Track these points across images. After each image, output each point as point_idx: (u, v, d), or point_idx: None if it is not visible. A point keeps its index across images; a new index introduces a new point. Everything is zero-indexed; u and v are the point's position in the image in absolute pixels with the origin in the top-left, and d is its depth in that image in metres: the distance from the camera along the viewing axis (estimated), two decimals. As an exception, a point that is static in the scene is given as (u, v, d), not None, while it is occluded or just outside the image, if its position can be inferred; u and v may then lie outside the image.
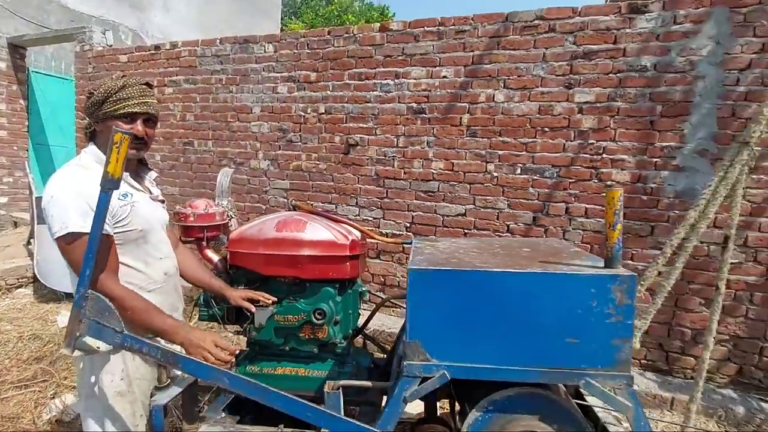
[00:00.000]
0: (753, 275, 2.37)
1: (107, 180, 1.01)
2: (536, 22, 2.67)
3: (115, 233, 1.18)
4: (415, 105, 2.99)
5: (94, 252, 1.05)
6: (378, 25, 3.10)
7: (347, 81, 3.16)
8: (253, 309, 1.50)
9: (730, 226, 1.87)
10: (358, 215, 3.22)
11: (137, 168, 1.36)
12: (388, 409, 1.14)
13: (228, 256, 1.65)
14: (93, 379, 1.25)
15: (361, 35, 3.10)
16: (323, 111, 3.27)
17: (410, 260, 1.20)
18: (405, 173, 3.07)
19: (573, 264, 1.13)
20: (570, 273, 1.06)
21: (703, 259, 2.42)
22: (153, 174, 1.44)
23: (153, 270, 1.32)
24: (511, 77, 2.75)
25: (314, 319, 1.53)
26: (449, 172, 2.95)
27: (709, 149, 2.40)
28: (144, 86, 1.27)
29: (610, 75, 2.55)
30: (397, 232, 3.12)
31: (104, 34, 4.20)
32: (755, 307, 2.38)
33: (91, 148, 1.26)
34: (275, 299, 1.53)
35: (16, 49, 4.94)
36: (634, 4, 2.48)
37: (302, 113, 3.35)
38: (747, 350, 2.42)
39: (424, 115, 2.97)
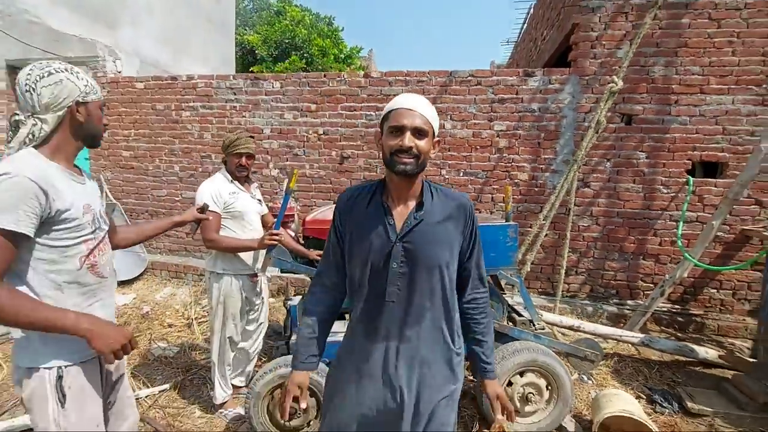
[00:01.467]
0: (596, 232, 4.06)
1: (289, 189, 2.22)
2: (469, 78, 4.12)
3: (225, 212, 2.33)
4: (391, 130, 4.30)
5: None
6: (362, 72, 4.35)
7: (340, 111, 4.38)
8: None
9: (566, 202, 3.47)
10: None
11: (246, 180, 2.50)
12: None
13: (302, 232, 2.85)
14: None
15: (349, 79, 4.33)
16: (322, 132, 4.45)
17: None
18: (385, 177, 4.39)
19: (496, 222, 2.56)
20: (494, 225, 2.48)
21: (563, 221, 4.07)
22: (255, 184, 2.60)
23: (246, 234, 2.40)
24: (454, 113, 4.18)
25: None
26: (416, 175, 4.32)
27: (569, 160, 4.03)
28: (248, 137, 2.43)
29: (514, 113, 4.08)
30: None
31: (115, 62, 4.91)
32: (598, 251, 4.09)
33: (224, 170, 2.43)
34: None
35: (14, 70, 5.35)
36: (527, 71, 4.02)
37: (305, 134, 4.50)
38: (595, 277, 4.12)
39: (397, 137, 4.30)
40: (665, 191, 3.91)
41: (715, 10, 3.68)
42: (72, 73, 1.21)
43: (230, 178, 2.45)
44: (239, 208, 2.39)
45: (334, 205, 1.31)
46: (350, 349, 1.27)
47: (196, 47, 8.03)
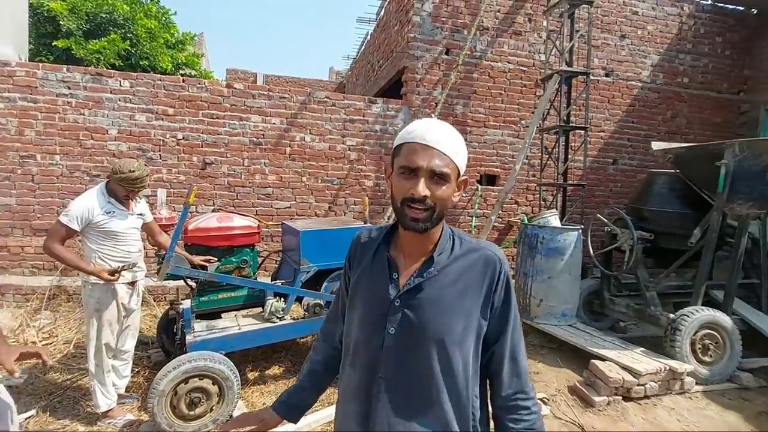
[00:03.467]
0: (422, 227, 5.34)
1: (187, 204, 2.53)
2: (325, 99, 4.82)
3: (96, 229, 2.42)
4: (254, 139, 4.65)
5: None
6: (224, 82, 4.54)
7: (202, 117, 4.48)
8: (207, 265, 3.00)
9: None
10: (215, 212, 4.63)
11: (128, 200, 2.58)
12: (296, 282, 3.09)
13: (184, 240, 3.09)
14: None
15: (211, 87, 4.47)
16: (181, 137, 4.46)
17: (297, 228, 3.12)
18: (249, 183, 4.71)
19: (356, 224, 3.36)
20: (357, 227, 3.27)
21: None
22: (139, 198, 2.71)
23: (116, 251, 2.47)
24: (313, 128, 4.82)
25: (241, 266, 3.24)
26: (279, 182, 4.79)
27: (403, 171, 5.17)
28: (146, 176, 2.57)
29: (362, 132, 4.99)
30: (246, 221, 4.75)
31: None
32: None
33: (103, 186, 2.49)
34: (216, 258, 3.06)
35: None
36: (371, 99, 4.97)
37: (161, 138, 4.41)
38: (421, 261, 5.42)
39: (261, 146, 4.68)
40: (464, 195, 5.45)
41: (492, 70, 5.33)
42: None
43: (108, 197, 2.50)
44: (112, 227, 2.45)
45: (351, 243, 1.09)
46: (341, 421, 1.00)
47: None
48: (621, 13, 5.79)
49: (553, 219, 4.12)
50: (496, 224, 5.45)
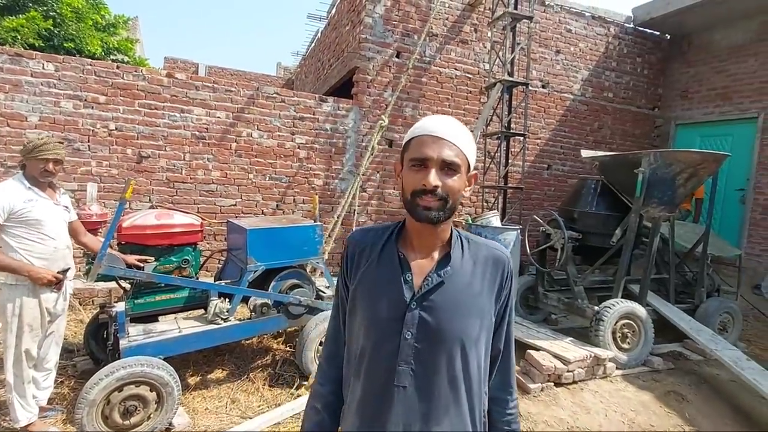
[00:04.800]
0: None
1: (123, 199, 2.37)
2: (274, 95, 4.71)
3: (17, 219, 2.16)
4: (197, 133, 4.43)
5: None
6: (164, 72, 4.28)
7: (138, 108, 4.19)
8: (142, 265, 2.82)
9: (353, 204, 4.63)
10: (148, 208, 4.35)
11: (50, 186, 2.39)
12: (242, 282, 3.00)
13: (118, 239, 2.89)
14: None
15: (149, 76, 4.19)
16: (114, 128, 4.14)
17: (244, 227, 3.04)
18: (191, 179, 4.48)
19: (306, 222, 3.33)
20: (306, 225, 3.25)
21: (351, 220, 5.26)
22: (62, 190, 2.50)
23: (44, 245, 2.26)
24: (261, 124, 4.69)
25: (182, 265, 3.10)
26: (224, 178, 4.61)
27: (353, 171, 5.20)
28: (57, 143, 2.41)
29: (312, 130, 4.94)
30: (187, 219, 4.51)
31: None
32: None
33: (20, 175, 2.27)
34: (153, 258, 2.89)
35: None
36: (321, 97, 4.93)
37: (91, 128, 4.07)
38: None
39: (205, 140, 4.47)
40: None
41: (440, 76, 5.52)
42: None
43: (28, 184, 2.32)
44: (36, 215, 2.26)
45: (345, 247, 1.02)
46: None
47: None
48: (557, 30, 6.24)
49: (495, 219, 4.36)
50: (442, 224, 5.64)
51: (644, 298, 3.87)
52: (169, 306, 3.08)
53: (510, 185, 5.37)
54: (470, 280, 0.89)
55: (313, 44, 8.20)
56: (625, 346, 3.54)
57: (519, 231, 4.17)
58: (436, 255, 0.91)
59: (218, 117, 4.50)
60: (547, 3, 6.09)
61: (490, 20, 5.50)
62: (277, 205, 4.88)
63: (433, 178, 0.82)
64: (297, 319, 3.25)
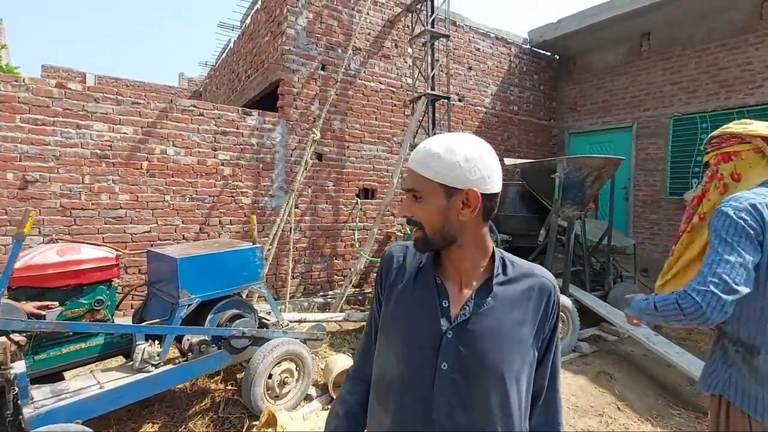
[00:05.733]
0: (304, 243, 5.18)
1: (21, 235, 1.95)
2: (191, 108, 4.30)
3: None
4: (99, 151, 3.84)
5: None
6: (53, 82, 3.64)
7: (20, 124, 3.49)
8: (43, 312, 2.35)
9: (289, 222, 4.41)
10: (44, 242, 3.64)
11: None
12: (174, 319, 2.65)
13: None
14: None
15: (35, 86, 3.53)
16: (-14, 148, 3.39)
17: (172, 255, 2.68)
18: (93, 204, 3.86)
19: (242, 245, 3.06)
20: (245, 248, 2.98)
21: (284, 238, 5.00)
22: None
23: None
24: (177, 139, 4.24)
25: (95, 307, 2.64)
26: (135, 202, 4.06)
27: (283, 187, 4.96)
28: None
29: (237, 146, 4.61)
30: (89, 252, 3.86)
31: None
32: (307, 257, 5.22)
33: None
34: (57, 303, 2.41)
35: None
36: (245, 110, 4.64)
37: (-48, 148, 3.28)
38: (306, 278, 5.24)
39: (109, 159, 3.89)
40: (345, 209, 5.50)
41: (365, 89, 5.56)
42: None
43: None
44: None
45: (381, 262, 0.99)
46: None
47: None
48: (467, 48, 6.73)
49: (432, 228, 4.47)
50: (377, 236, 5.64)
51: (567, 289, 4.27)
52: (80, 358, 2.59)
53: (439, 194, 5.58)
54: (511, 310, 0.83)
55: (225, 54, 7.72)
56: (561, 335, 3.85)
57: (456, 238, 4.32)
58: (475, 281, 0.86)
59: (124, 133, 3.96)
60: (458, 23, 6.53)
61: (410, 37, 5.72)
62: (200, 229, 4.44)
63: (400, 209, 0.87)
64: (241, 354, 2.95)
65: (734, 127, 1.43)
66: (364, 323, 4.65)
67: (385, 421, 0.85)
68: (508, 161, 4.91)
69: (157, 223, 4.19)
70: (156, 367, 2.53)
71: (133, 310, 3.38)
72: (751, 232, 1.22)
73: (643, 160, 6.94)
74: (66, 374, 2.65)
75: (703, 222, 1.52)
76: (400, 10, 5.68)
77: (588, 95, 7.76)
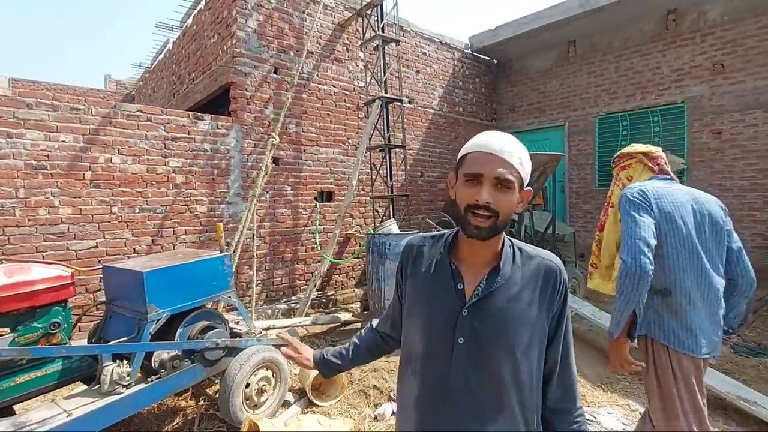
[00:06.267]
0: (265, 249, 5.08)
1: None
2: (138, 113, 4.06)
3: None
4: (35, 162, 3.51)
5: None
6: (-25, 86, 3.26)
7: (-65, 134, 3.10)
8: None
9: (252, 228, 4.32)
10: (-29, 265, 3.25)
11: None
12: (143, 335, 2.53)
13: None
14: None
15: (-49, 91, 3.15)
16: None
17: (135, 269, 2.54)
18: (30, 220, 3.51)
19: (210, 255, 2.97)
20: (213, 257, 2.91)
21: (246, 245, 4.87)
22: None
23: None
24: (124, 147, 3.98)
25: (51, 330, 2.46)
26: (78, 215, 3.75)
27: (240, 193, 4.83)
28: None
29: (189, 152, 4.41)
30: (27, 273, 3.50)
31: None
32: (268, 264, 5.13)
33: None
34: (7, 330, 2.22)
35: None
36: (196, 115, 4.46)
37: None
38: (268, 285, 5.14)
39: (46, 170, 3.57)
40: (304, 213, 5.48)
41: (319, 92, 5.57)
42: None
43: None
44: None
45: (401, 254, 1.09)
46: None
47: None
48: (414, 52, 6.96)
49: (394, 227, 4.61)
50: (338, 238, 5.67)
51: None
52: (36, 387, 2.39)
53: (399, 194, 5.74)
54: (520, 291, 0.92)
55: (163, 56, 7.30)
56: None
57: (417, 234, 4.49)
58: (487, 265, 0.95)
59: (63, 141, 3.65)
60: (405, 29, 6.75)
61: (361, 41, 5.81)
62: (153, 241, 4.20)
63: (486, 195, 0.86)
64: (215, 366, 2.87)
65: (625, 149, 2.12)
66: (332, 325, 4.68)
67: (415, 388, 0.97)
68: (461, 160, 5.18)
69: (104, 237, 3.90)
70: (127, 388, 2.40)
71: (86, 332, 3.14)
72: (643, 203, 1.73)
73: (575, 155, 7.62)
74: (16, 408, 2.43)
75: (614, 209, 2.12)
76: (351, 14, 5.76)
77: (524, 97, 8.36)
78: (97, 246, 3.86)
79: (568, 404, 0.97)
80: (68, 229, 3.70)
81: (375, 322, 1.23)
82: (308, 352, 1.21)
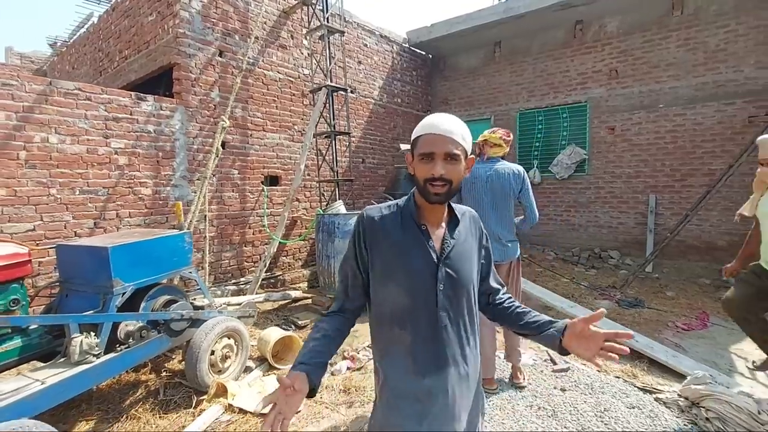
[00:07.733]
0: (212, 233, 5.14)
1: None
2: (76, 91, 3.91)
3: None
4: (-39, 139, 3.29)
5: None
6: None
7: None
8: None
9: (204, 212, 4.40)
10: None
11: None
12: (109, 308, 2.65)
13: None
14: None
15: None
16: None
17: (99, 245, 2.63)
18: (-44, 201, 3.30)
19: (171, 232, 3.10)
20: (175, 234, 3.05)
21: (195, 228, 4.89)
22: None
23: None
24: (61, 126, 3.83)
25: (11, 307, 2.49)
26: (13, 197, 3.58)
27: (186, 176, 4.83)
28: None
29: (132, 133, 4.33)
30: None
31: None
32: (216, 246, 5.19)
33: None
34: None
35: None
36: (138, 95, 4.37)
37: None
38: (216, 267, 5.21)
39: (-26, 149, 3.35)
40: (251, 196, 5.59)
41: (265, 78, 5.66)
42: None
43: None
44: None
45: (356, 225, 1.20)
46: (399, 392, 1.12)
47: None
48: (356, 44, 7.25)
49: (342, 208, 4.95)
50: (287, 221, 5.86)
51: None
52: (-1, 362, 2.40)
53: (344, 178, 6.05)
54: (466, 237, 1.19)
55: (87, 30, 6.79)
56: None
57: (364, 215, 4.88)
58: (443, 224, 1.18)
59: (-7, 118, 3.45)
60: (347, 20, 6.99)
61: (306, 30, 5.97)
62: (95, 224, 4.10)
63: (439, 168, 1.04)
64: (180, 336, 3.04)
65: (485, 134, 2.97)
66: (284, 302, 4.92)
67: (407, 338, 1.12)
68: (403, 147, 5.63)
69: (42, 220, 3.76)
70: (97, 357, 2.51)
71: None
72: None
73: (500, 146, 8.48)
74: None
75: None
76: (296, 2, 5.89)
77: (456, 91, 9.06)
78: (34, 229, 3.71)
79: (505, 294, 1.32)
80: (2, 211, 3.53)
81: (330, 309, 1.26)
82: (302, 383, 1.02)
